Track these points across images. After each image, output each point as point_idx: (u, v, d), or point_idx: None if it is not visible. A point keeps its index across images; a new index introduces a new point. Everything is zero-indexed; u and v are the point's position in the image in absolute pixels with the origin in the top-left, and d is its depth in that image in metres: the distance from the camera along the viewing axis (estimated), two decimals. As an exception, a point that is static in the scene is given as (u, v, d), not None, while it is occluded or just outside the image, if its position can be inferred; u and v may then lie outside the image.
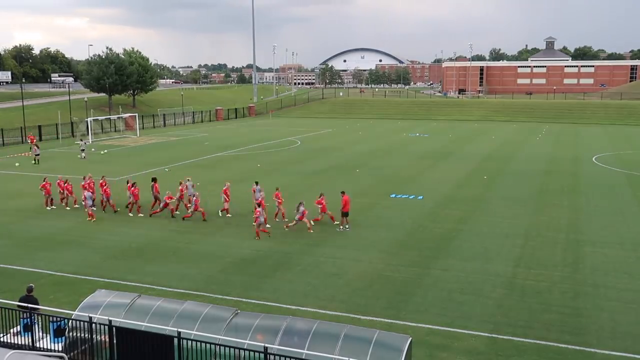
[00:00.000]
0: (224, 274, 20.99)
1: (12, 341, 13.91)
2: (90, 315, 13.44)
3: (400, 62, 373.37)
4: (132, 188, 30.50)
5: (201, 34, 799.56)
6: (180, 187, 30.83)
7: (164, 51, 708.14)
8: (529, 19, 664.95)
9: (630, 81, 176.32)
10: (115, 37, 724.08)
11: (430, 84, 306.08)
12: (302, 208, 26.28)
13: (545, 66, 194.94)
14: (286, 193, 34.82)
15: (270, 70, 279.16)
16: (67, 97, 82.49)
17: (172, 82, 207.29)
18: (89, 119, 67.94)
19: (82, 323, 13.44)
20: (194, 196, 29.04)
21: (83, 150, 51.32)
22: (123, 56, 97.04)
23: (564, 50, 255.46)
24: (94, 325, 13.26)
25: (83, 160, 49.52)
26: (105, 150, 56.14)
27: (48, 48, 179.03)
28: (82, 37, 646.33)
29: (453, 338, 15.90)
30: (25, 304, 14.63)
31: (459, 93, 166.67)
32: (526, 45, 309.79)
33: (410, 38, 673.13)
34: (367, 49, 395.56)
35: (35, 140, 54.97)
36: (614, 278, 20.52)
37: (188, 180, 31.51)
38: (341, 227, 26.79)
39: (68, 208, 31.51)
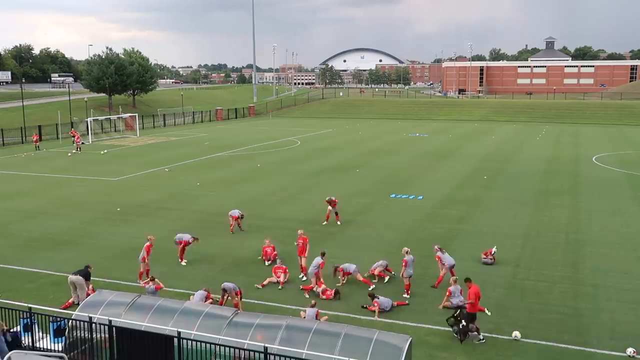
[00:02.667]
0: (224, 274, 20.98)
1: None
2: (90, 315, 13.46)
3: (400, 62, 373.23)
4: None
5: (222, 35, 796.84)
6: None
7: (189, 53, 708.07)
8: (529, 19, 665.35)
9: (630, 81, 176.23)
10: (139, 39, 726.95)
11: (431, 84, 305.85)
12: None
13: (545, 66, 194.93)
14: (286, 193, 34.91)
15: (270, 70, 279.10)
16: (67, 97, 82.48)
17: (173, 82, 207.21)
18: (89, 119, 67.94)
19: (82, 323, 13.45)
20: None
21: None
22: (123, 56, 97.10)
23: (564, 50, 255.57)
24: (94, 325, 13.27)
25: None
26: (105, 151, 56.13)
27: (48, 48, 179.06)
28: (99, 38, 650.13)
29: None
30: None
31: (459, 93, 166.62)
32: (526, 45, 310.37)
33: (410, 38, 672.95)
34: (367, 49, 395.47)
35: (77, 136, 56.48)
36: (614, 278, 20.51)
37: None
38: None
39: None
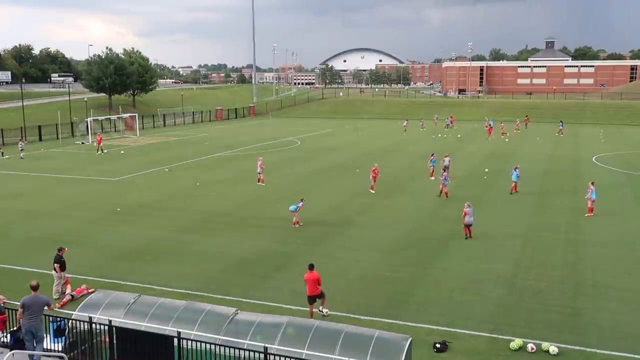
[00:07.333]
0: (224, 274, 20.99)
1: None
2: (90, 315, 13.46)
3: (400, 62, 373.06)
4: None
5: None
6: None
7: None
8: (529, 19, 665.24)
9: (630, 81, 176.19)
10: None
11: (431, 84, 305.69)
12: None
13: (545, 66, 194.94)
14: (286, 193, 34.86)
15: (270, 70, 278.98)
16: (67, 97, 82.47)
17: (172, 82, 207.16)
18: (89, 119, 67.93)
19: (82, 323, 13.46)
20: None
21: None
22: (123, 56, 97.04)
23: (564, 50, 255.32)
24: (94, 325, 13.27)
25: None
26: (105, 151, 56.12)
27: (48, 48, 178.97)
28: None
29: (453, 338, 15.88)
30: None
31: (459, 93, 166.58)
32: (526, 45, 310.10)
33: (410, 38, 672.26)
34: (367, 49, 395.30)
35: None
36: (614, 278, 20.51)
37: None
38: None
39: None
